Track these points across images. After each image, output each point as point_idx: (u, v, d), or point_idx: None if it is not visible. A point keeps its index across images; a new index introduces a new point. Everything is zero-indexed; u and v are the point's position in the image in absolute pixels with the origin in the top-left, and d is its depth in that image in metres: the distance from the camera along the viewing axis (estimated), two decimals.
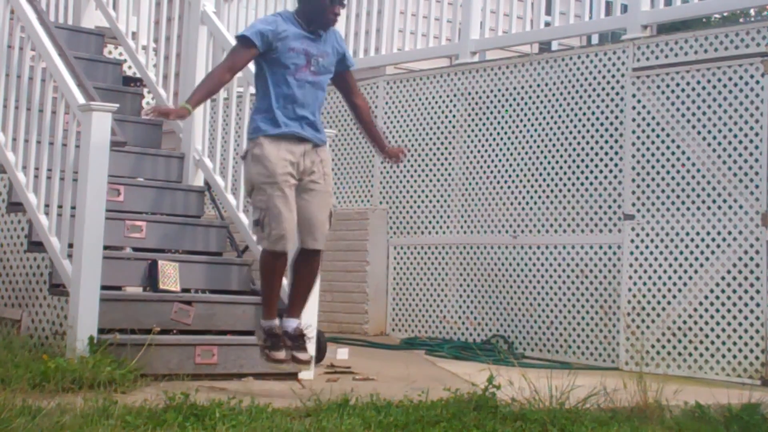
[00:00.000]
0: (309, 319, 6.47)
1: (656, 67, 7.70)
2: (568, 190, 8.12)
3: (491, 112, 8.68)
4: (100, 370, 5.39)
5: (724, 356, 7.20)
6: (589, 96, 8.07)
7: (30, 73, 6.68)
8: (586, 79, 8.10)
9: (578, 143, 8.09)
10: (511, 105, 8.55)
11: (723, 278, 7.26)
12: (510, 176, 8.49)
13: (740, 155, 7.25)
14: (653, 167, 7.65)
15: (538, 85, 8.38)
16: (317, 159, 5.69)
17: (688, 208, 7.47)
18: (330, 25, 5.76)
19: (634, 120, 7.79)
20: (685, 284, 7.43)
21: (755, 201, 7.16)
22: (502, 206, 8.53)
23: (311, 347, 5.81)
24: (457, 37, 9.22)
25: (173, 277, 6.65)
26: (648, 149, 7.70)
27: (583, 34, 9.42)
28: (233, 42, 7.40)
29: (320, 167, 5.68)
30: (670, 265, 7.50)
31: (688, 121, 7.51)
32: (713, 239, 7.33)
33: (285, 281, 6.15)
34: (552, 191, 8.21)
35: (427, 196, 9.06)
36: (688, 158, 7.49)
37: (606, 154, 7.94)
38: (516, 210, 8.43)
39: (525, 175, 8.39)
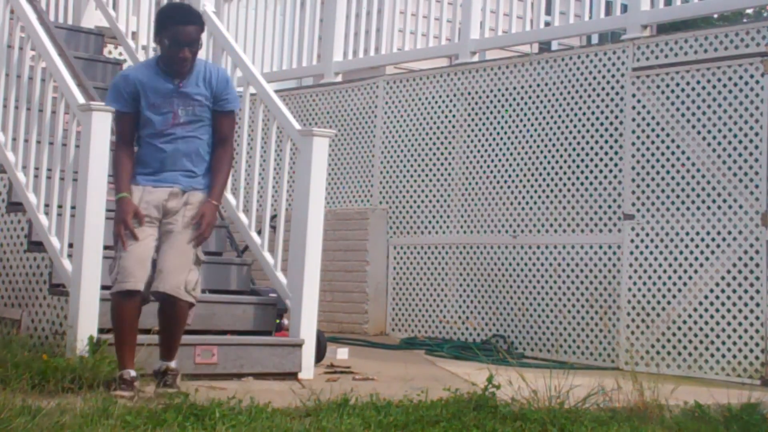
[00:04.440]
0: (308, 320, 6.48)
1: (656, 67, 7.70)
2: (568, 190, 8.12)
3: (491, 112, 8.68)
4: (99, 369, 5.39)
5: (724, 356, 7.20)
6: (589, 96, 8.07)
7: (30, 73, 6.68)
8: (586, 79, 8.10)
9: (578, 143, 8.09)
10: (511, 105, 8.55)
11: (723, 278, 7.26)
12: (510, 176, 8.49)
13: (740, 155, 7.25)
14: (653, 167, 7.65)
15: (538, 85, 8.38)
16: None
17: (688, 208, 7.47)
18: (180, 71, 5.39)
19: (634, 120, 7.79)
20: (685, 284, 7.43)
21: (755, 201, 7.16)
22: (502, 206, 8.53)
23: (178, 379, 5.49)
24: (457, 37, 9.22)
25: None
26: (648, 149, 7.70)
27: (583, 33, 9.42)
28: (233, 42, 7.44)
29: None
30: (670, 265, 7.50)
31: (688, 121, 7.51)
32: (713, 239, 7.33)
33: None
34: (552, 191, 8.21)
35: (427, 196, 9.06)
36: (688, 158, 7.49)
37: (606, 154, 7.93)
38: (516, 210, 8.42)
39: (525, 175, 8.39)
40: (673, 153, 7.57)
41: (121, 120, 5.51)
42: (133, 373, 5.28)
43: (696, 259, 7.39)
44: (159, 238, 5.40)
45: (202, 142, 5.49)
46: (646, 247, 7.63)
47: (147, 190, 5.41)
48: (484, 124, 8.72)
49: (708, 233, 7.35)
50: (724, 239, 7.28)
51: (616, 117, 7.90)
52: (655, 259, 7.58)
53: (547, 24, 9.09)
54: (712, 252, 7.32)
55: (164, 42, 5.38)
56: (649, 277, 7.59)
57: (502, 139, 8.58)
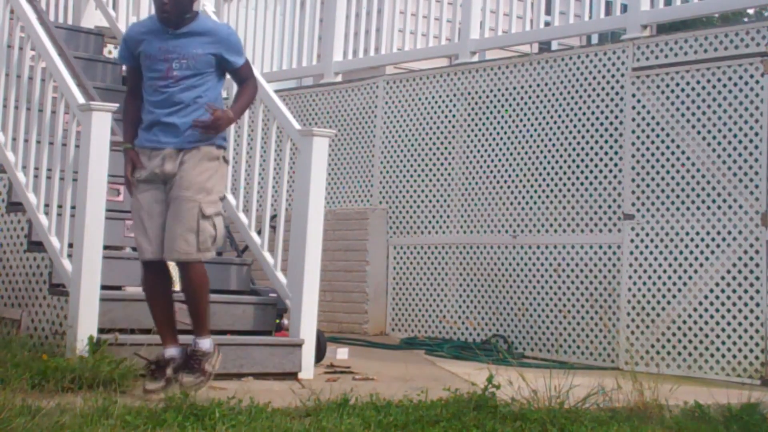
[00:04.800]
0: (308, 320, 6.48)
1: (656, 67, 7.70)
2: (568, 190, 8.12)
3: (491, 112, 8.68)
4: (99, 369, 5.39)
5: (723, 356, 7.20)
6: (589, 96, 8.07)
7: (30, 73, 6.68)
8: (585, 79, 8.10)
9: (578, 143, 8.09)
10: (511, 105, 8.55)
11: (723, 278, 7.26)
12: (510, 176, 8.49)
13: (740, 155, 7.25)
14: (653, 167, 7.65)
15: (538, 85, 8.38)
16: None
17: (687, 208, 7.47)
18: (164, 18, 5.42)
19: (633, 120, 7.79)
20: (685, 284, 7.43)
21: (755, 201, 7.16)
22: (502, 206, 8.53)
23: (208, 365, 5.43)
24: (457, 37, 9.22)
25: (173, 277, 6.64)
26: (648, 149, 7.70)
27: (582, 33, 9.41)
28: None
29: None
30: (670, 265, 7.50)
31: (688, 121, 7.51)
32: (713, 239, 7.33)
33: None
34: (552, 191, 8.21)
35: (427, 196, 9.06)
36: (688, 158, 7.49)
37: (606, 154, 7.93)
38: (516, 210, 8.42)
39: (525, 175, 8.39)
40: (673, 153, 7.57)
41: (128, 73, 5.70)
42: (172, 352, 5.37)
43: (696, 259, 7.39)
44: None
45: (200, 95, 5.47)
46: (646, 247, 7.63)
47: (145, 153, 5.47)
48: (484, 124, 8.72)
49: (708, 233, 7.35)
50: (724, 239, 7.28)
51: (616, 117, 7.90)
52: (655, 259, 7.58)
53: (547, 24, 9.09)
54: (712, 252, 7.32)
55: None
56: (649, 277, 7.59)
57: (502, 139, 8.58)
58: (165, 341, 5.45)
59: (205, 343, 5.44)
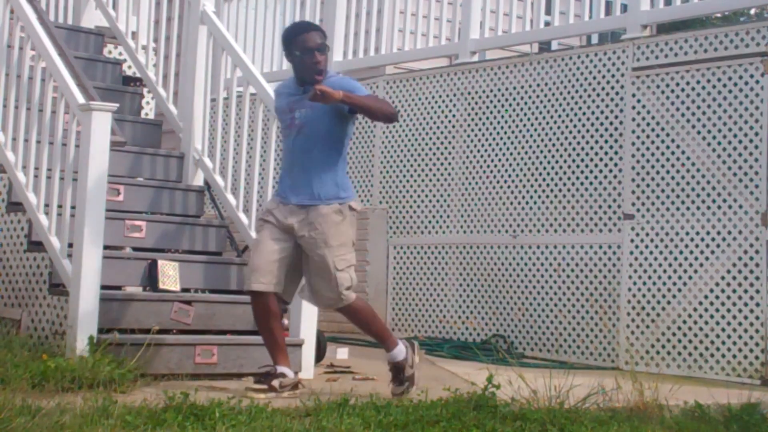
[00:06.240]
0: (308, 320, 6.49)
1: (656, 66, 7.70)
2: (568, 190, 8.12)
3: (491, 112, 8.68)
4: (99, 369, 5.39)
5: (723, 356, 7.20)
6: (589, 96, 8.06)
7: (30, 73, 6.68)
8: (585, 79, 8.10)
9: (578, 143, 8.09)
10: (511, 105, 8.54)
11: (723, 278, 7.26)
12: (510, 176, 8.49)
13: (740, 155, 7.25)
14: (653, 167, 7.65)
15: (538, 85, 8.38)
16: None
17: (688, 208, 7.47)
18: (316, 74, 5.67)
19: (633, 120, 7.79)
20: (685, 284, 7.43)
21: (755, 201, 7.16)
22: (502, 206, 8.53)
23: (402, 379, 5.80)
24: (457, 37, 9.22)
25: (173, 276, 6.65)
26: (648, 149, 7.70)
27: (582, 33, 9.42)
28: (233, 42, 7.43)
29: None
30: (670, 265, 7.50)
31: (688, 121, 7.51)
32: (713, 239, 7.33)
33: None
34: (552, 191, 8.21)
35: (427, 196, 9.06)
36: (688, 158, 7.49)
37: (606, 154, 7.94)
38: (516, 210, 8.42)
39: (525, 175, 8.39)
40: (673, 153, 7.57)
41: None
42: (282, 369, 5.63)
43: (696, 259, 7.39)
44: (298, 250, 5.73)
45: (319, 152, 5.70)
46: (646, 247, 7.63)
47: (276, 201, 5.82)
48: (484, 124, 8.72)
49: (708, 233, 7.35)
50: (724, 239, 7.28)
51: (616, 117, 7.90)
52: (655, 259, 7.58)
53: (547, 24, 9.09)
54: (712, 252, 7.32)
55: (296, 54, 5.70)
56: (649, 277, 7.59)
57: (502, 139, 8.58)
58: (275, 360, 5.72)
59: (395, 355, 5.78)
